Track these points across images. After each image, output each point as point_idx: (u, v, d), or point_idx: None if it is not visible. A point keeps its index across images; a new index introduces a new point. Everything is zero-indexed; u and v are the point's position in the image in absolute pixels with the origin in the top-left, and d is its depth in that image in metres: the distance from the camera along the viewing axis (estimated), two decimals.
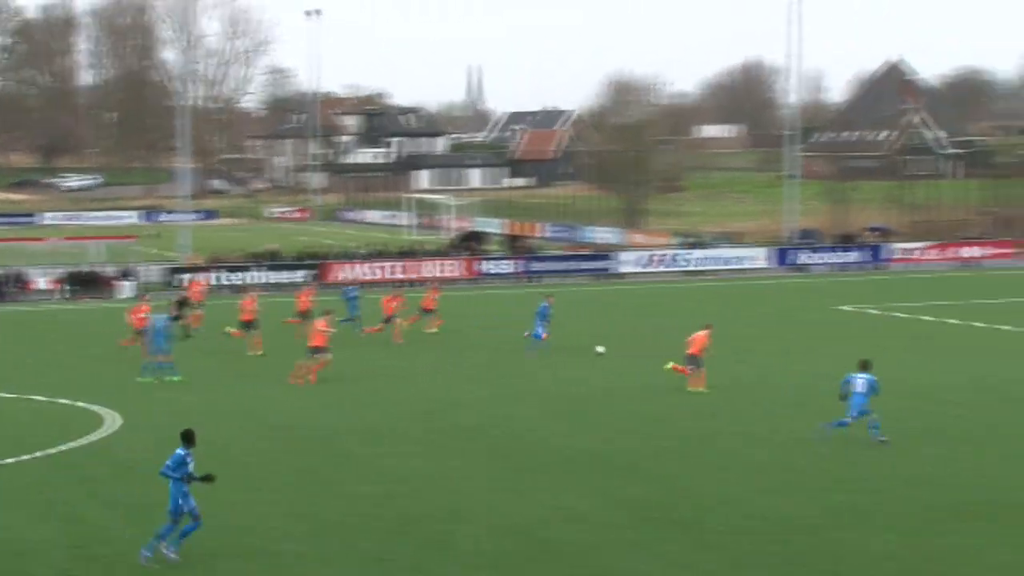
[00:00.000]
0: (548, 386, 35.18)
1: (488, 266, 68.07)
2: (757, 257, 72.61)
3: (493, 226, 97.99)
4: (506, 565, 19.65)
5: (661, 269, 69.81)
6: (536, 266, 69.17)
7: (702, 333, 34.62)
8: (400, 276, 64.21)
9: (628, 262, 70.15)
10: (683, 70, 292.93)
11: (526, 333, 41.31)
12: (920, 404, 29.88)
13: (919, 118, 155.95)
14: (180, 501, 19.65)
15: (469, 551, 20.32)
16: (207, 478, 19.93)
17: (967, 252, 75.62)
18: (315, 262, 65.93)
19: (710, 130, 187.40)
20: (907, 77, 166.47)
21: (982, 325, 46.92)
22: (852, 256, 74.25)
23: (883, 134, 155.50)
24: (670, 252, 73.23)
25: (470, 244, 78.01)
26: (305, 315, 44.12)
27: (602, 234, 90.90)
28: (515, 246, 77.77)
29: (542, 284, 65.04)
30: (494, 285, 64.59)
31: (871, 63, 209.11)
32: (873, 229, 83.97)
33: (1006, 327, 45.71)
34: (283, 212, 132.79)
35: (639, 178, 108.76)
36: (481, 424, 30.18)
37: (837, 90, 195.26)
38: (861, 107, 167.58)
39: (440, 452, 27.30)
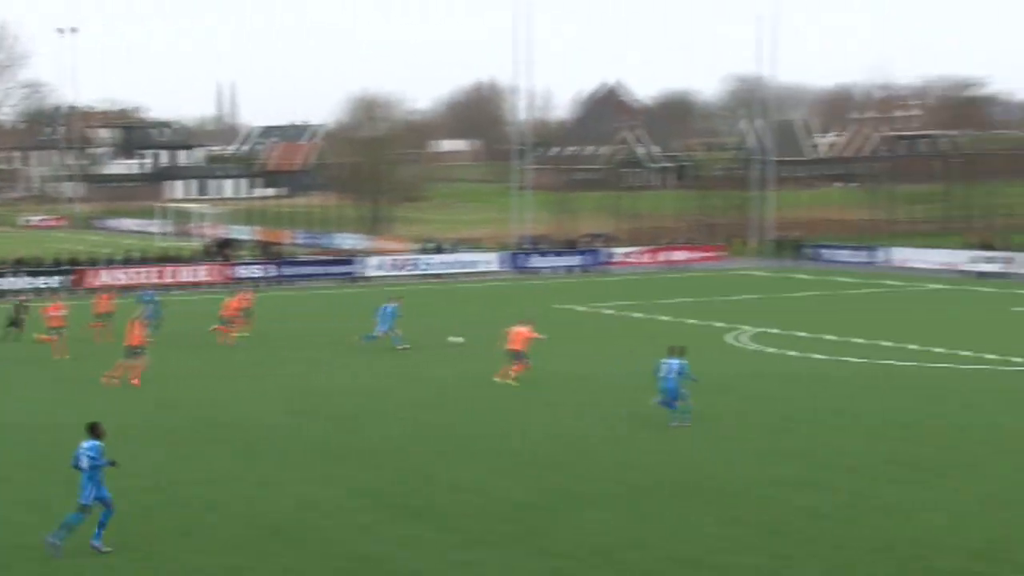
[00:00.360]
0: (317, 383, 34.93)
1: (241, 270, 67.12)
2: (492, 261, 73.54)
3: (245, 233, 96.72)
4: (249, 551, 19.46)
5: (404, 273, 70.08)
6: (287, 270, 68.55)
7: (523, 329, 34.65)
8: (157, 280, 62.65)
9: (374, 266, 70.21)
10: (422, 88, 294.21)
11: (379, 331, 41.07)
12: (644, 396, 30.73)
13: (634, 135, 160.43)
14: (94, 491, 19.06)
15: (214, 539, 20.09)
16: (112, 463, 19.48)
17: (677, 256, 78.25)
18: (73, 268, 63.82)
19: (447, 144, 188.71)
20: (623, 98, 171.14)
21: (722, 324, 48.50)
22: (576, 260, 75.96)
23: (603, 149, 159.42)
24: (413, 257, 73.60)
25: (224, 250, 76.80)
26: (106, 316, 42.92)
27: (349, 240, 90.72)
28: (267, 252, 76.90)
29: (293, 287, 64.70)
30: (247, 289, 63.58)
31: (592, 83, 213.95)
32: (591, 235, 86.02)
33: (745, 326, 46.89)
34: (40, 220, 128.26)
35: (383, 188, 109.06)
36: (240, 420, 29.74)
37: (562, 108, 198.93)
38: (583, 124, 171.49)
39: (200, 447, 26.82)
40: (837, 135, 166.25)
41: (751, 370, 36.78)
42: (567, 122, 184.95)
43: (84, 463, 19.20)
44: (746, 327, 46.29)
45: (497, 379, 34.00)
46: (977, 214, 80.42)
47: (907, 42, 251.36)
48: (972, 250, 70.17)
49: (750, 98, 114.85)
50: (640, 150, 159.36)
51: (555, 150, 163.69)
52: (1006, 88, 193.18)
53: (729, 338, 43.87)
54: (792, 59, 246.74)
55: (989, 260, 67.95)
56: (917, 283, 64.49)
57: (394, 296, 43.99)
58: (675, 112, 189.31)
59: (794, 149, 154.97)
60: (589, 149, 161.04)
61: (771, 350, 40.89)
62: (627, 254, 77.10)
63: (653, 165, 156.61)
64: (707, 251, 79.65)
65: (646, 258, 77.08)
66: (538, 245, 80.00)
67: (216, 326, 43.27)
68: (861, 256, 75.69)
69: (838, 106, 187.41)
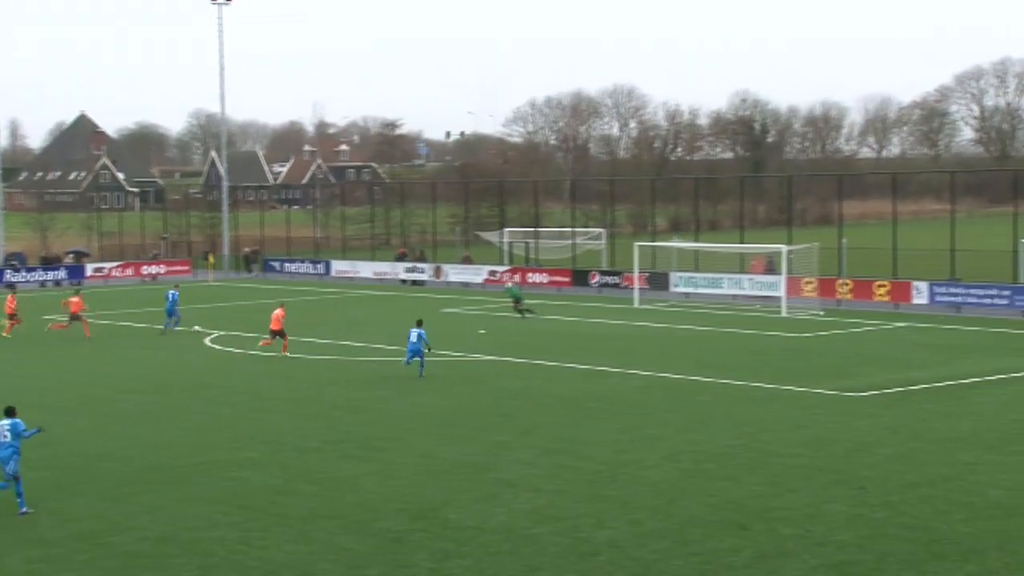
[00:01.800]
0: None
1: None
2: None
3: None
4: None
5: None
6: None
7: (279, 312, 37.43)
8: None
9: None
10: None
11: (176, 318, 43.93)
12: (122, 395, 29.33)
13: (106, 161, 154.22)
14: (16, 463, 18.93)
15: None
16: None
17: (149, 269, 75.96)
18: None
19: None
20: (97, 128, 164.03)
21: (197, 329, 46.99)
22: (58, 275, 72.07)
23: (78, 174, 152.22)
24: None
25: None
26: None
27: None
28: None
29: None
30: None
31: (68, 115, 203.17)
32: (72, 252, 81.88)
33: (212, 330, 45.84)
34: None
35: None
36: None
37: (37, 136, 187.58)
38: (57, 151, 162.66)
39: None
40: (288, 164, 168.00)
41: (220, 368, 36.07)
42: (43, 149, 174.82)
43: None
44: (212, 331, 45.38)
45: (284, 353, 36.95)
46: (400, 232, 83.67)
47: (341, 85, 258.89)
48: (400, 262, 72.85)
49: (214, 131, 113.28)
50: (115, 175, 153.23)
51: (32, 174, 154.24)
52: (417, 128, 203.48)
53: (207, 341, 42.88)
54: (252, 98, 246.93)
55: (415, 270, 70.87)
56: (360, 290, 66.09)
57: (174, 284, 46.07)
58: (147, 141, 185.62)
59: (257, 176, 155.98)
60: (66, 174, 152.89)
61: (236, 350, 40.34)
62: (106, 269, 73.96)
63: (128, 189, 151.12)
64: (177, 265, 77.93)
65: (123, 272, 74.39)
66: (17, 261, 75.08)
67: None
68: (312, 268, 76.54)
69: (289, 139, 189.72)
